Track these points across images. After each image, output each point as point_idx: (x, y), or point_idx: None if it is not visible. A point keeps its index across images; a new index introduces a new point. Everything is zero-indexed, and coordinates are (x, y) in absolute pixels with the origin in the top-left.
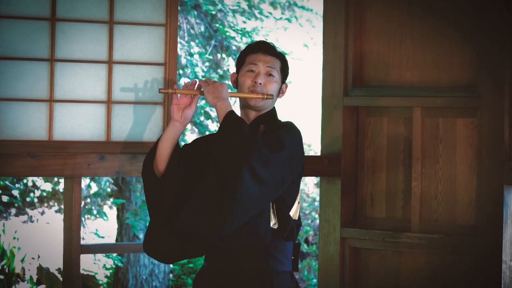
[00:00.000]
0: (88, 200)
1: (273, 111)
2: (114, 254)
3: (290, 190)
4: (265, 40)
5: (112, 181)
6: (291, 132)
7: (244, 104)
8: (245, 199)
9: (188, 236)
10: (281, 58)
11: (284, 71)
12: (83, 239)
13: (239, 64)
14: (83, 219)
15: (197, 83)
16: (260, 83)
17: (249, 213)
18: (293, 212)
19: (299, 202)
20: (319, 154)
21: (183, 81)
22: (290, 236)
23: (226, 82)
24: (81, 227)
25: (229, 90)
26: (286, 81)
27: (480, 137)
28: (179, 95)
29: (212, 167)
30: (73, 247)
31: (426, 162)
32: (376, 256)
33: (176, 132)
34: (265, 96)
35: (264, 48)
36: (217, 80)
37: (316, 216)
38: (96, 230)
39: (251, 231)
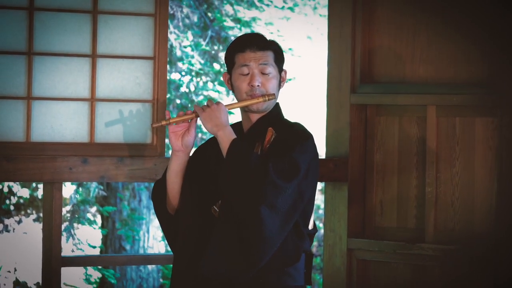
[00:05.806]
0: (74, 207)
1: (277, 109)
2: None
3: (309, 201)
4: (251, 32)
5: (102, 187)
6: (304, 145)
7: (246, 109)
8: (269, 235)
9: (214, 280)
10: (273, 47)
11: (280, 60)
12: (73, 251)
13: (229, 65)
14: (71, 229)
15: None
16: (258, 85)
17: (277, 243)
18: (311, 222)
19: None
20: (323, 157)
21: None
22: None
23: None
24: (70, 238)
25: (226, 103)
26: (284, 67)
27: (501, 138)
28: (174, 123)
29: (224, 204)
30: (53, 259)
31: (442, 166)
32: (387, 269)
33: (181, 162)
34: (267, 98)
35: (252, 44)
36: (213, 101)
37: (321, 225)
38: (79, 240)
39: (279, 255)
